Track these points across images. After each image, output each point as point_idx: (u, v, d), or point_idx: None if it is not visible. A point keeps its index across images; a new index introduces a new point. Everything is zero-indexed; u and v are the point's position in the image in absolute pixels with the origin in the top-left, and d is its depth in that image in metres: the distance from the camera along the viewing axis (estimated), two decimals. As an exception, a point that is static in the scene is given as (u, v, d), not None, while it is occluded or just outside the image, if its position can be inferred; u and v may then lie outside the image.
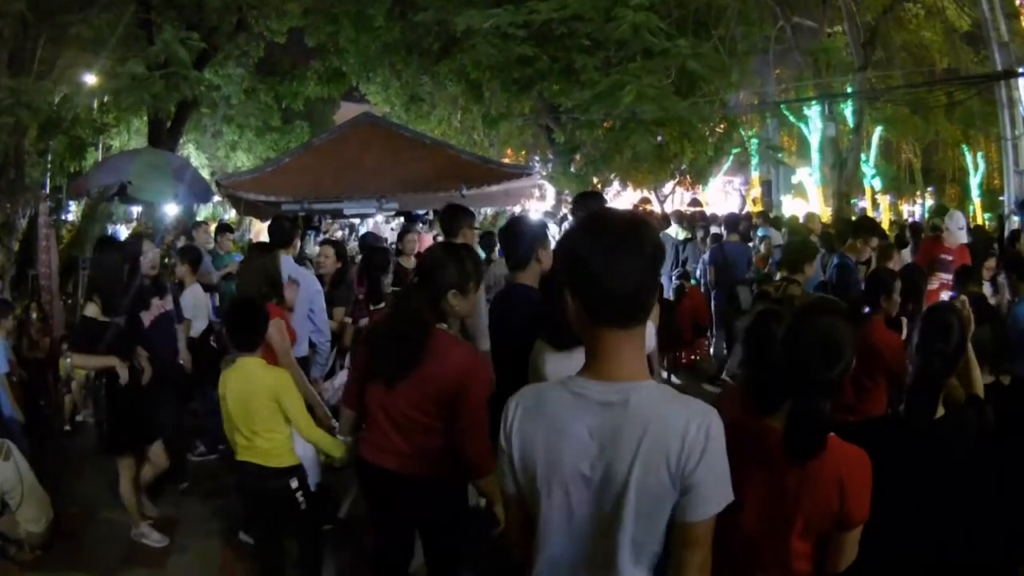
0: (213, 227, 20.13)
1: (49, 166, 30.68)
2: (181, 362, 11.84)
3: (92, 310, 9.70)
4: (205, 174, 35.65)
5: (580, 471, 3.35)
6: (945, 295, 13.11)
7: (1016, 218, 25.44)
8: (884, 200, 51.06)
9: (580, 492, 3.37)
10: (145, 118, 31.83)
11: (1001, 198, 34.41)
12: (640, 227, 3.41)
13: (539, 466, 3.45)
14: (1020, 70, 28.12)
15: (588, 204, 9.97)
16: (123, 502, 9.95)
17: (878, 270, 10.96)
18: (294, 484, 7.62)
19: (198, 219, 26.66)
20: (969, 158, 50.95)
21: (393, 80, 39.17)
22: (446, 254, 6.40)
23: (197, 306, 13.04)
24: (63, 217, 25.87)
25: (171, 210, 23.92)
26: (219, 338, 12.82)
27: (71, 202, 26.87)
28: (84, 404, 14.42)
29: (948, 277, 14.42)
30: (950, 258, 15.45)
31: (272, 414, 7.42)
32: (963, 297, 6.97)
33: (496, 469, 3.77)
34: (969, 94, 33.60)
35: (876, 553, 4.50)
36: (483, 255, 15.42)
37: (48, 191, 29.73)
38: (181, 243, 18.76)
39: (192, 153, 44.80)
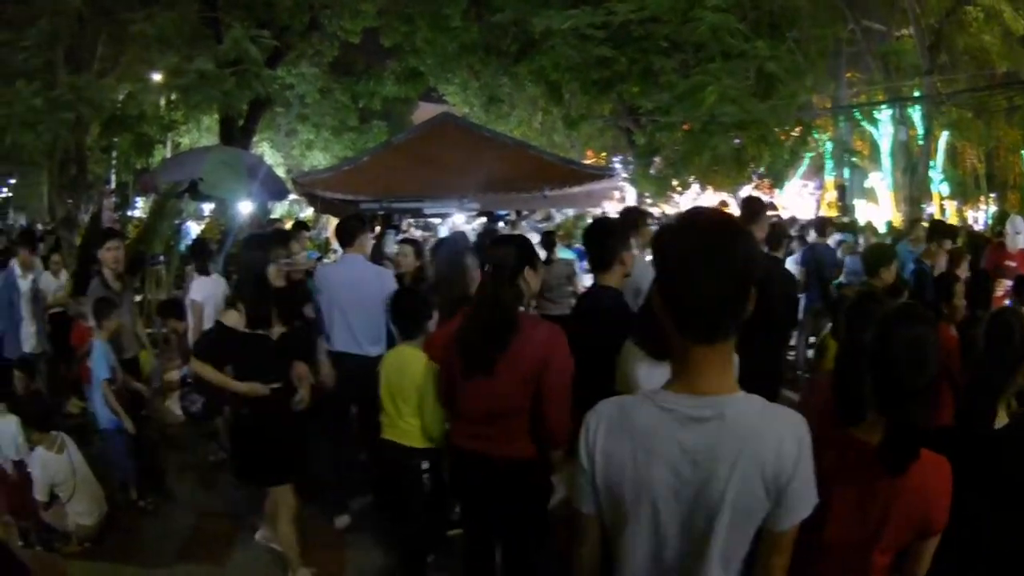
0: (289, 226, 19.49)
1: (114, 163, 30.29)
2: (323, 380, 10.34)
3: (232, 318, 8.57)
4: (280, 172, 35.78)
5: (672, 489, 3.13)
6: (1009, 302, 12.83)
7: None
8: (951, 206, 49.08)
9: (670, 510, 3.15)
10: (216, 116, 31.15)
11: None
12: (733, 235, 3.16)
13: (626, 485, 3.21)
14: None
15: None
16: (281, 545, 8.76)
17: (941, 276, 10.82)
18: (424, 465, 7.63)
19: (272, 217, 26.56)
20: (1030, 163, 49.59)
21: (472, 81, 38.72)
22: (505, 240, 6.74)
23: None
24: (129, 213, 24.74)
25: (245, 208, 22.96)
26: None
27: (138, 198, 25.59)
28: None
29: (1011, 283, 13.50)
30: (1013, 264, 15.34)
31: (416, 401, 7.42)
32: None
33: (574, 488, 3.47)
34: None
35: (942, 565, 4.19)
36: (544, 255, 15.04)
37: (114, 187, 30.06)
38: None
39: (267, 151, 45.02)
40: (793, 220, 28.10)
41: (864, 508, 3.96)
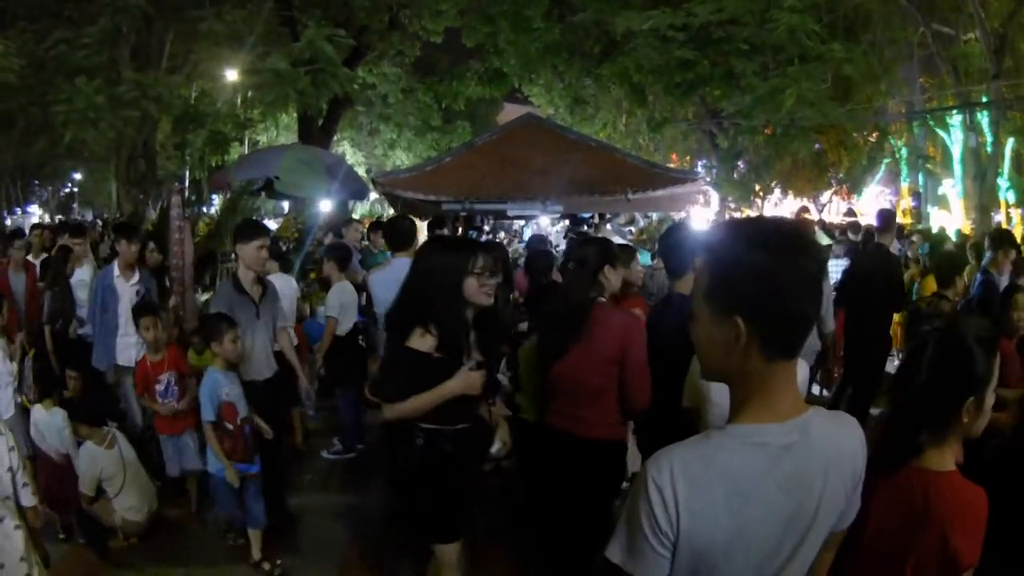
0: (367, 226, 19.13)
1: (187, 159, 29.94)
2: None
3: (422, 341, 6.27)
4: (361, 172, 36.85)
5: (768, 525, 2.76)
6: None
7: None
8: (1017, 213, 47.40)
9: (764, 547, 2.78)
10: (294, 114, 31.25)
11: None
12: (810, 239, 2.91)
13: (719, 536, 2.71)
14: None
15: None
16: None
17: (1005, 288, 10.43)
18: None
19: (352, 216, 26.17)
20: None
21: (556, 82, 38.50)
22: (589, 241, 7.71)
23: (344, 304, 12.15)
24: (203, 210, 23.87)
25: (325, 207, 23.10)
26: (367, 336, 12.35)
27: (214, 195, 24.71)
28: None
29: None
30: None
31: None
32: None
33: (633, 558, 2.82)
34: None
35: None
36: (648, 261, 15.35)
37: (187, 184, 29.46)
38: (329, 239, 18.28)
39: (348, 151, 45.48)
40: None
41: (890, 530, 3.75)
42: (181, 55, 26.48)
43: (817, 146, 33.13)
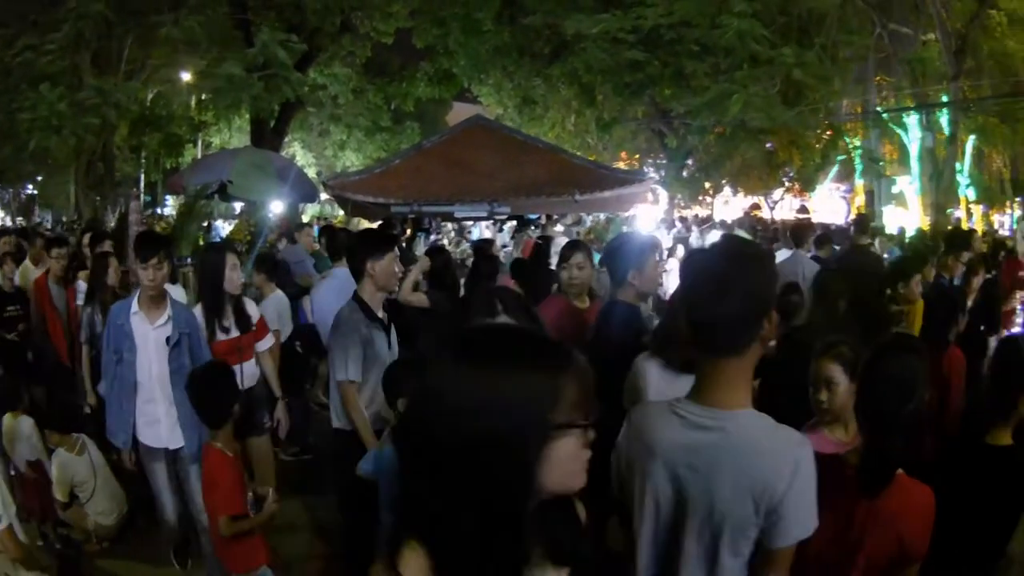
0: (316, 229, 20.00)
1: (143, 162, 30.63)
2: None
3: None
4: (311, 173, 37.16)
5: (672, 488, 3.33)
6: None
7: None
8: (977, 210, 48.71)
9: (670, 510, 3.35)
10: (247, 116, 31.54)
11: None
12: (753, 264, 3.33)
13: (636, 480, 3.44)
14: None
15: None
16: None
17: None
18: None
19: (303, 220, 27.13)
20: (1056, 168, 50.14)
21: (505, 82, 38.85)
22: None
23: (280, 313, 11.84)
24: (158, 212, 24.65)
25: (276, 208, 23.39)
26: (306, 342, 12.30)
27: (168, 197, 25.53)
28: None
29: None
30: None
31: None
32: None
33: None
34: None
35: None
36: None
37: (143, 187, 30.72)
38: (283, 245, 18.56)
39: (298, 152, 45.80)
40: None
41: (843, 528, 4.03)
42: (139, 60, 26.83)
43: (768, 145, 34.02)
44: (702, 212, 43.77)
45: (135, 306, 7.92)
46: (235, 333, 8.70)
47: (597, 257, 15.68)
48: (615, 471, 3.60)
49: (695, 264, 3.49)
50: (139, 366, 7.89)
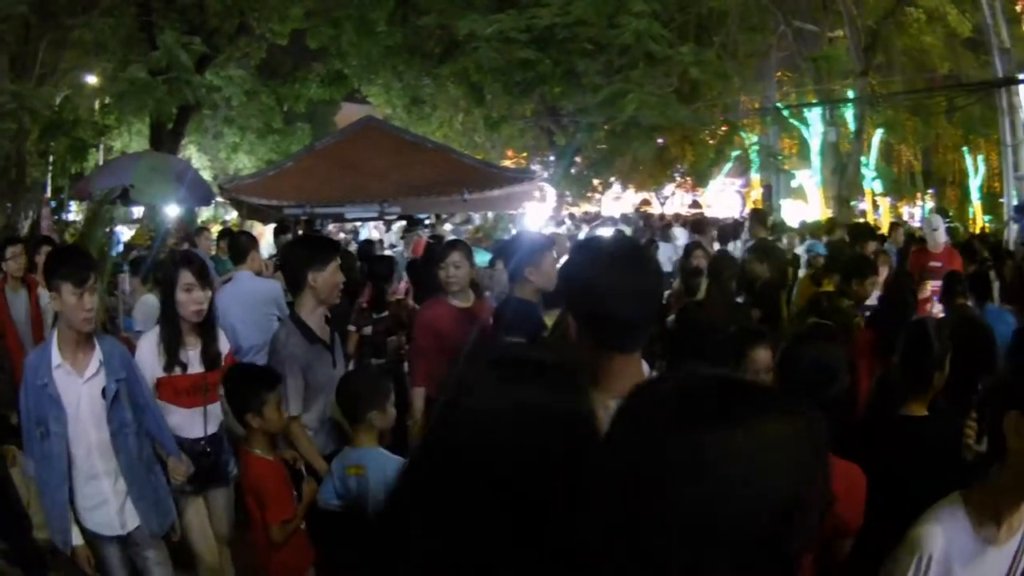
0: (215, 231, 20.49)
1: (51, 167, 31.04)
2: None
3: None
4: (207, 176, 36.31)
5: None
6: (936, 305, 13.42)
7: (1015, 225, 26.08)
8: (884, 202, 51.16)
9: None
10: (147, 120, 32.22)
11: (1001, 200, 35.36)
12: (644, 253, 3.85)
13: None
14: (1021, 76, 28.21)
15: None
16: None
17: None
18: None
19: (200, 223, 27.85)
20: (969, 161, 51.35)
21: (395, 82, 39.43)
22: None
23: (147, 317, 11.15)
24: (64, 218, 25.90)
25: (172, 212, 24.02)
26: None
27: (72, 203, 26.90)
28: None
29: (939, 283, 13.64)
30: (939, 264, 15.44)
31: None
32: None
33: None
34: (969, 100, 34.43)
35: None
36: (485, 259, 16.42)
37: (50, 192, 30.62)
38: (185, 248, 17.30)
39: (194, 155, 45.19)
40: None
41: None
42: (51, 63, 27.31)
43: (660, 141, 34.63)
44: (591, 209, 45.32)
45: (55, 356, 6.44)
46: (198, 368, 7.48)
47: (487, 256, 16.70)
48: None
49: (585, 263, 3.74)
50: (73, 437, 6.49)
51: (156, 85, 22.76)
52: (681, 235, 24.57)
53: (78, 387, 6.46)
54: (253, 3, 30.72)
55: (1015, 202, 28.65)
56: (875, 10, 34.43)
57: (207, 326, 7.49)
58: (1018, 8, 33.72)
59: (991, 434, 3.49)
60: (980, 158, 51.17)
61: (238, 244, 11.39)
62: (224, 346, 7.71)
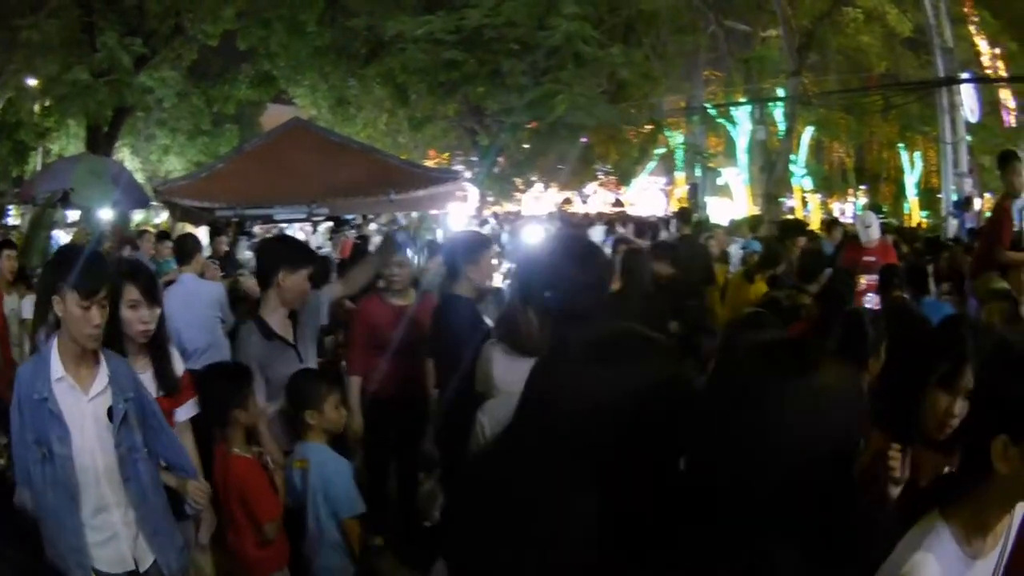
0: (154, 234, 20.53)
1: None
2: None
3: None
4: (139, 178, 35.60)
5: None
6: (871, 297, 13.66)
7: (954, 220, 27.38)
8: (814, 199, 52.44)
9: None
10: (83, 122, 32.69)
11: (939, 196, 36.52)
12: (593, 248, 4.24)
13: None
14: (962, 76, 29.45)
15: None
16: None
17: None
18: None
19: (134, 225, 28.18)
20: (905, 157, 52.58)
21: (320, 83, 40.02)
22: None
23: None
24: (5, 222, 26.49)
25: (106, 215, 24.09)
26: None
27: (10, 207, 27.66)
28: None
29: (874, 278, 14.03)
30: (873, 259, 15.57)
31: None
32: None
33: None
34: (908, 99, 35.70)
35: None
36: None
37: None
38: (127, 252, 18.37)
39: (127, 157, 45.09)
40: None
41: None
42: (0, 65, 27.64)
43: (583, 139, 35.29)
44: (513, 208, 46.09)
45: (57, 367, 5.53)
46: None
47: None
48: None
49: (545, 260, 4.10)
50: (78, 462, 5.55)
51: (98, 87, 23.61)
52: (599, 233, 25.38)
53: (82, 405, 5.53)
54: (189, 4, 31.63)
55: (954, 198, 29.89)
56: (810, 10, 35.03)
57: (157, 346, 6.57)
58: (965, 9, 35.42)
59: (971, 456, 3.47)
60: (917, 154, 52.36)
61: (185, 246, 11.88)
62: (179, 367, 6.82)
